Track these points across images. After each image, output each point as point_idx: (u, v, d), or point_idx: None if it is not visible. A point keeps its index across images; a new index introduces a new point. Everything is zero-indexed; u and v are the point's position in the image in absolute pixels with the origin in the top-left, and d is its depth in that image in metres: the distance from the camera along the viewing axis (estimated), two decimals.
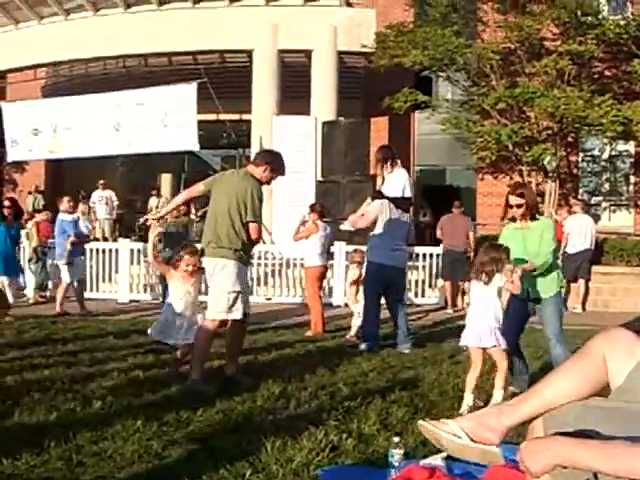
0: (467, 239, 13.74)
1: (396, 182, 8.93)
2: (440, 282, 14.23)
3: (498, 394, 6.04)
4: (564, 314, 6.85)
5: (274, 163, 6.73)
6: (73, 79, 22.90)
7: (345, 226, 9.86)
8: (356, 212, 9.46)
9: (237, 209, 6.42)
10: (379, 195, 9.01)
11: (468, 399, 5.92)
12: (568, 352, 6.05)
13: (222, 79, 19.25)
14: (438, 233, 14.23)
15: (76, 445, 4.53)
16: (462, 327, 6.34)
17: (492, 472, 4.00)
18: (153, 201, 21.42)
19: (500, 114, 17.11)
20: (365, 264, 9.39)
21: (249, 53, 19.55)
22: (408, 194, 8.96)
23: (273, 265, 14.01)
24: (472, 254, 13.06)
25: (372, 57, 18.18)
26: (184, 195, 7.20)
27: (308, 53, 19.34)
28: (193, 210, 18.34)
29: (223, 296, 6.43)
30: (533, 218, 6.57)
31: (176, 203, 7.42)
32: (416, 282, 14.28)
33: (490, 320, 6.04)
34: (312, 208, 10.56)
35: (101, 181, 20.06)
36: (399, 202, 8.88)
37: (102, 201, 20.02)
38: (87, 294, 13.12)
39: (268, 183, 6.84)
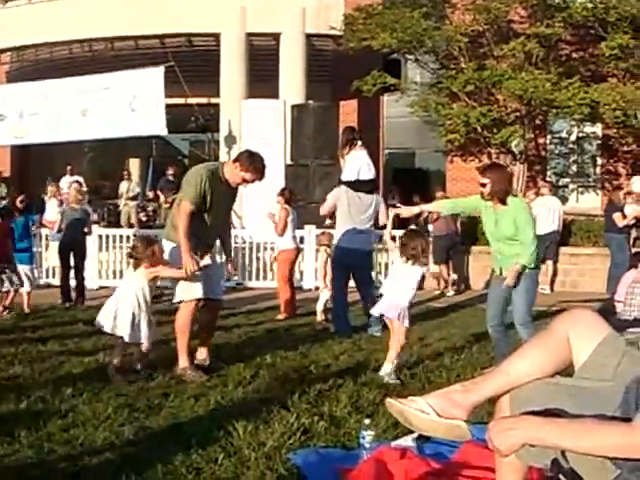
0: (456, 224, 13.97)
1: (351, 165, 8.96)
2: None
3: (387, 367, 6.26)
4: (534, 296, 6.74)
5: (245, 162, 6.46)
6: (38, 64, 22.55)
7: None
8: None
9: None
10: (340, 182, 9.09)
11: (387, 367, 6.28)
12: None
13: (190, 63, 19.05)
14: (435, 216, 14.36)
15: (47, 433, 4.51)
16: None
17: (463, 451, 4.06)
18: (124, 185, 21.28)
19: (469, 97, 17.14)
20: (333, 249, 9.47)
21: (217, 36, 19.40)
22: (365, 176, 8.97)
23: (243, 249, 13.98)
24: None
25: (341, 40, 18.10)
26: None
27: (276, 36, 19.22)
28: (162, 197, 18.25)
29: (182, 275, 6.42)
30: (503, 202, 6.48)
31: None
32: (386, 264, 14.29)
33: (405, 299, 6.43)
34: (281, 193, 10.58)
35: (69, 166, 19.86)
36: (358, 185, 8.90)
37: (71, 187, 19.79)
38: (53, 281, 13.20)
39: (243, 183, 6.62)
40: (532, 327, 6.48)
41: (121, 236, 14.49)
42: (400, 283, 6.51)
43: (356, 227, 8.83)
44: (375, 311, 6.67)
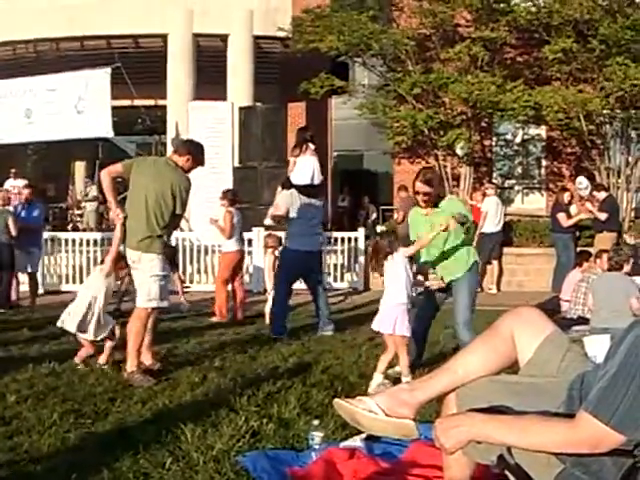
0: None
1: (305, 169, 8.99)
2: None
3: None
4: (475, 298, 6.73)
5: (196, 154, 6.66)
6: None
7: (268, 221, 9.93)
8: (274, 205, 9.41)
9: (169, 201, 6.31)
10: (288, 184, 9.07)
11: (377, 379, 5.99)
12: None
13: (136, 64, 18.83)
14: (401, 216, 14.27)
15: None
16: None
17: (412, 450, 4.09)
18: (87, 189, 21.47)
19: (416, 99, 17.29)
20: (281, 252, 9.44)
21: (164, 37, 19.24)
22: (317, 181, 9.06)
23: (191, 252, 13.90)
24: None
25: (289, 42, 18.12)
26: (106, 179, 6.55)
27: (224, 38, 19.14)
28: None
29: (155, 283, 6.32)
30: (436, 205, 6.53)
31: (111, 191, 6.59)
32: (335, 266, 14.35)
33: (395, 295, 6.13)
34: (224, 195, 10.57)
35: (13, 170, 19.53)
36: (308, 190, 8.96)
37: (14, 190, 19.51)
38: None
39: (187, 173, 6.78)
40: (472, 329, 6.33)
41: (66, 240, 14.32)
42: (389, 284, 6.20)
43: (308, 230, 8.85)
44: (374, 326, 6.28)
